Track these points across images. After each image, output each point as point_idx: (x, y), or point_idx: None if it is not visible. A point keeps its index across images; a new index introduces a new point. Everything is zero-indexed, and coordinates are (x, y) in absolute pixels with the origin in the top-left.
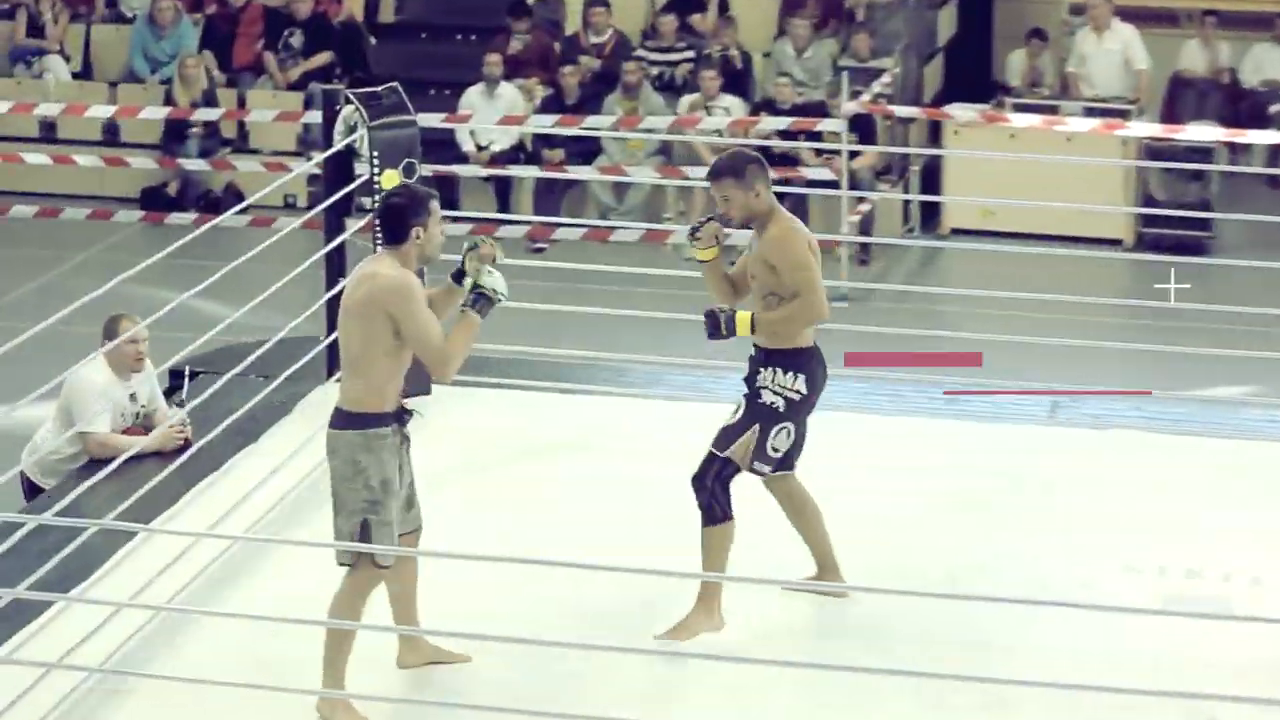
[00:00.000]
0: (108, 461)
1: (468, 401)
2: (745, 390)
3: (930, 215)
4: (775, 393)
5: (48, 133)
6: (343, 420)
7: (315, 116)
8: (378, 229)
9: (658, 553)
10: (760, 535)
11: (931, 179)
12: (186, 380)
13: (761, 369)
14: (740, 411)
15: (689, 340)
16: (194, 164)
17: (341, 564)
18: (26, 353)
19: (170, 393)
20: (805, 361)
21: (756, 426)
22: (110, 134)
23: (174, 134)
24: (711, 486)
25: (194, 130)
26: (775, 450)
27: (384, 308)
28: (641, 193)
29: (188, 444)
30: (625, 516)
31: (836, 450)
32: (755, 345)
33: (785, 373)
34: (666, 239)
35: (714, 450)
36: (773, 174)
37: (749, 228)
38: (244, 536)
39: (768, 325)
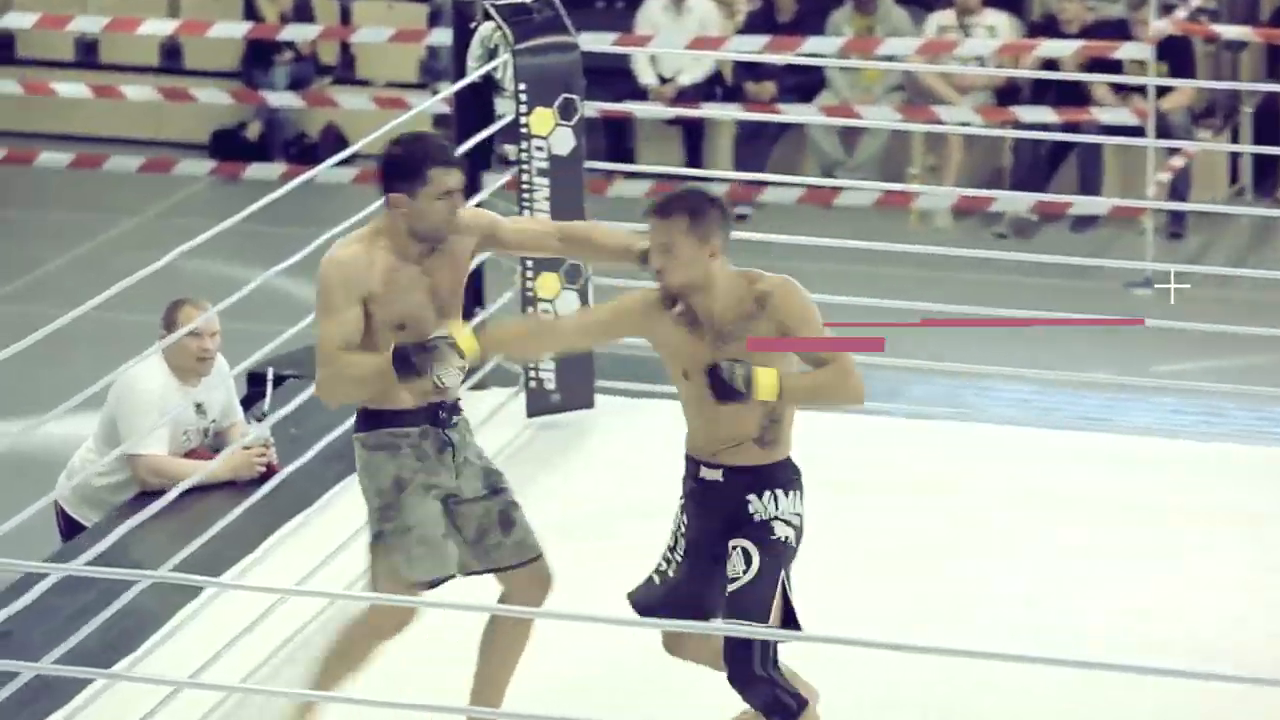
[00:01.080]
0: (165, 493)
1: (636, 414)
2: (688, 529)
3: (1267, 173)
4: (786, 522)
5: (87, 55)
6: (357, 420)
7: (444, 37)
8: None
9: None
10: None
11: (1269, 125)
12: (270, 387)
13: (752, 496)
14: (751, 563)
15: (939, 338)
16: (282, 99)
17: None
18: (61, 347)
19: (249, 403)
20: (798, 475)
21: (782, 574)
22: (170, 58)
23: (256, 59)
24: (768, 675)
25: (283, 54)
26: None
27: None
28: (878, 141)
29: (270, 471)
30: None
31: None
32: (723, 467)
33: (787, 494)
34: (912, 203)
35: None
36: (1057, 118)
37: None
38: (342, 594)
39: (801, 391)
